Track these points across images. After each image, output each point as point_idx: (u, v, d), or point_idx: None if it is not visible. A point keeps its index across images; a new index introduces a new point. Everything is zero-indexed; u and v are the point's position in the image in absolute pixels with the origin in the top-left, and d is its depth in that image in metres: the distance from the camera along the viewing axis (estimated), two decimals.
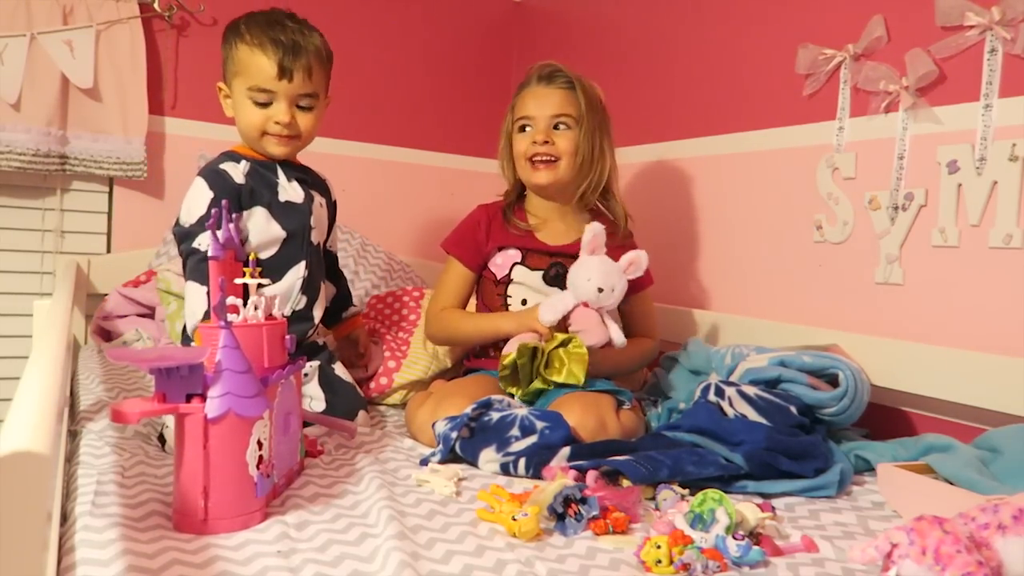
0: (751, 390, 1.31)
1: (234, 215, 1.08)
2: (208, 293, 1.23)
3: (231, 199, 1.32)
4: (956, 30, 1.38)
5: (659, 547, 0.86)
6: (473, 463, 1.22)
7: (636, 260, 1.48)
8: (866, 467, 1.28)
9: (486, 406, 1.29)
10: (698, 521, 0.94)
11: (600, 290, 1.43)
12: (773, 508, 1.07)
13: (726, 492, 1.01)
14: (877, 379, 1.42)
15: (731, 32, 1.85)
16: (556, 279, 1.56)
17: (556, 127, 1.55)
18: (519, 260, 1.58)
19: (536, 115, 1.55)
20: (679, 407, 1.49)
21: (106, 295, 1.92)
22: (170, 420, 1.16)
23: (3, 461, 0.55)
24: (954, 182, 1.39)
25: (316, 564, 0.80)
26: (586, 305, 1.45)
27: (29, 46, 1.88)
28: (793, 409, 1.29)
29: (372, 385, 1.62)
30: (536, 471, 1.16)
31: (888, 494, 1.16)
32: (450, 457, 1.23)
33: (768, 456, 1.16)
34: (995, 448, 1.18)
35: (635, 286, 1.65)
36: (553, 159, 1.55)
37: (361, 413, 1.43)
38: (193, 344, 1.22)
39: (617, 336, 1.47)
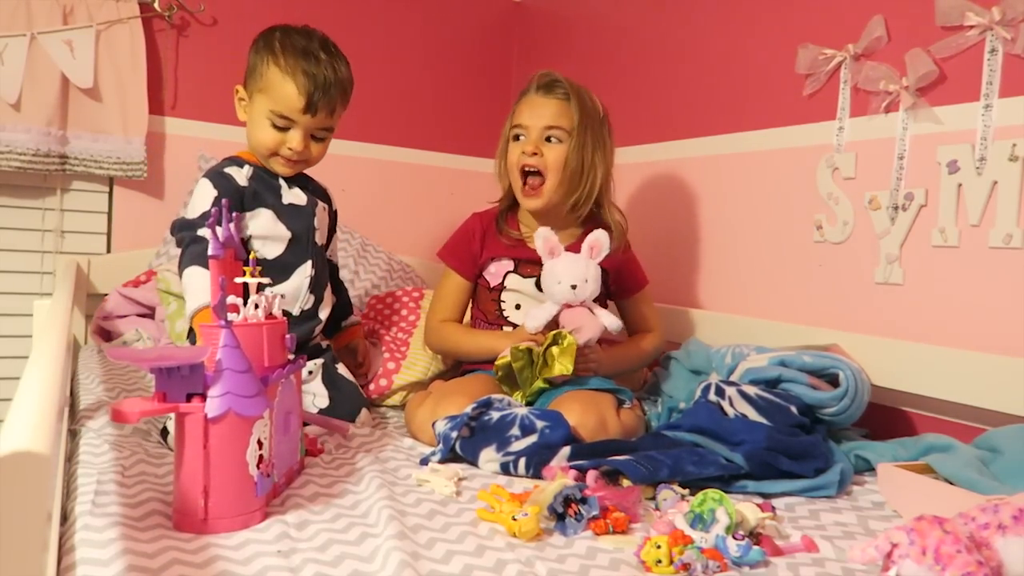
0: (751, 390, 1.31)
1: (234, 214, 1.08)
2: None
3: (234, 200, 1.35)
4: (956, 30, 1.38)
5: (659, 547, 0.86)
6: (473, 463, 1.22)
7: (596, 243, 1.48)
8: (866, 467, 1.28)
9: (486, 405, 1.29)
10: (698, 521, 0.94)
11: (574, 287, 1.44)
12: (773, 508, 1.07)
13: (726, 492, 1.01)
14: (877, 379, 1.42)
15: (731, 32, 1.85)
16: None
17: (548, 139, 1.54)
18: (512, 269, 1.59)
19: (529, 124, 1.54)
20: (679, 407, 1.49)
21: (106, 295, 1.92)
22: (171, 425, 1.17)
23: (3, 461, 0.55)
24: (954, 182, 1.39)
25: (316, 564, 0.80)
26: (569, 305, 1.45)
27: (29, 46, 1.88)
28: (793, 409, 1.29)
29: (372, 387, 1.62)
30: (536, 471, 1.16)
31: (888, 494, 1.16)
32: (450, 456, 1.23)
33: (768, 456, 1.16)
34: (995, 448, 1.18)
35: (630, 288, 1.66)
36: (539, 177, 1.53)
37: (363, 411, 1.44)
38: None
39: (610, 322, 1.47)
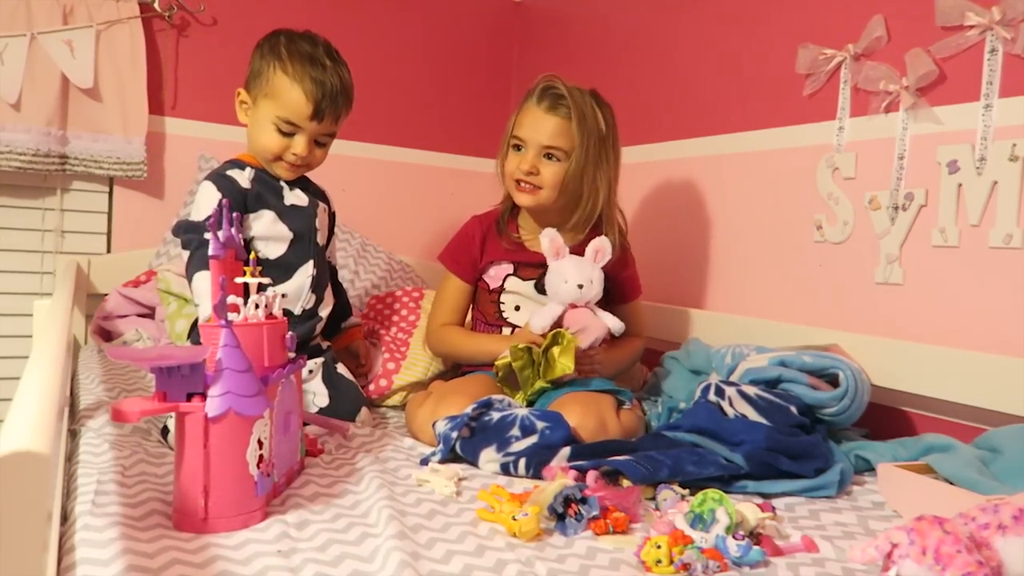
0: (751, 390, 1.31)
1: (235, 214, 1.08)
2: None
3: (238, 202, 1.37)
4: (956, 30, 1.38)
5: (659, 547, 0.86)
6: (473, 463, 1.22)
7: (601, 247, 1.49)
8: (866, 467, 1.28)
9: (486, 406, 1.29)
10: (698, 521, 0.94)
11: (580, 286, 1.45)
12: (773, 508, 1.07)
13: (726, 492, 1.01)
14: (877, 379, 1.42)
15: (731, 32, 1.85)
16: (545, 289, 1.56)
17: (547, 155, 1.52)
18: (511, 272, 1.59)
19: (528, 140, 1.52)
20: (679, 407, 1.49)
21: (106, 295, 1.92)
22: (172, 423, 1.17)
23: (3, 461, 0.55)
24: (954, 182, 1.39)
25: (316, 564, 0.80)
26: (574, 306, 1.46)
27: (29, 46, 1.88)
28: (793, 409, 1.29)
29: (372, 387, 1.62)
30: (536, 471, 1.16)
31: (888, 494, 1.16)
32: (450, 457, 1.23)
33: (768, 456, 1.16)
34: (995, 448, 1.18)
35: (627, 295, 1.66)
36: (535, 187, 1.53)
37: (364, 410, 1.45)
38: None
39: (614, 323, 1.49)
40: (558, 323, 1.46)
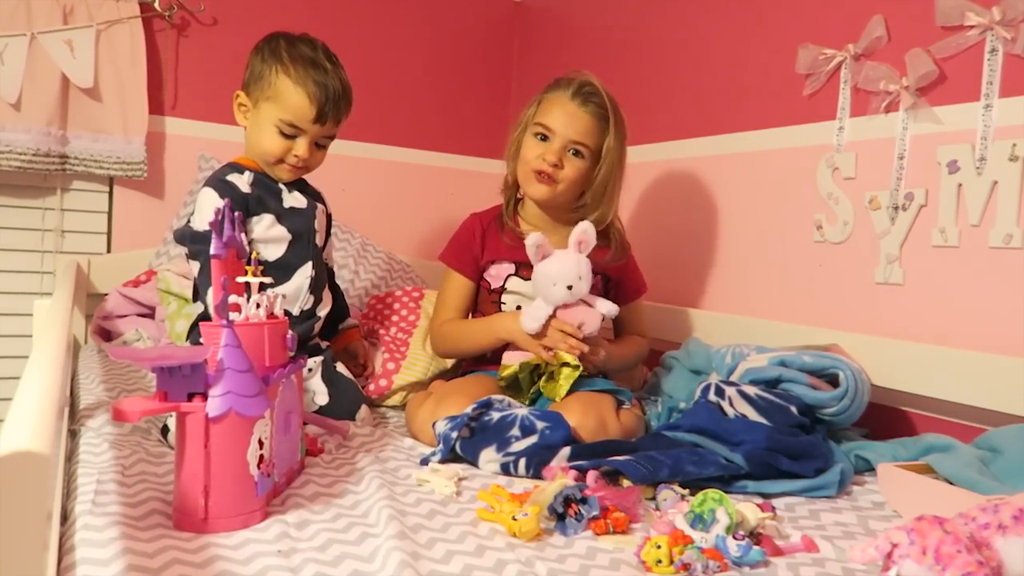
0: (751, 390, 1.31)
1: (237, 213, 1.08)
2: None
3: (239, 207, 1.37)
4: (956, 30, 1.38)
5: (659, 547, 0.86)
6: (473, 463, 1.22)
7: (583, 237, 1.45)
8: (866, 467, 1.28)
9: (486, 406, 1.29)
10: (698, 521, 0.94)
11: (569, 287, 1.43)
12: (773, 508, 1.07)
13: (726, 492, 1.01)
14: (877, 379, 1.42)
15: (731, 32, 1.85)
16: None
17: (572, 151, 1.51)
18: (513, 272, 1.58)
19: (558, 131, 1.50)
20: (679, 407, 1.49)
21: (106, 295, 1.92)
22: (172, 422, 1.17)
23: (3, 461, 0.55)
24: (954, 182, 1.39)
25: (316, 564, 0.80)
26: (566, 306, 1.45)
27: (29, 46, 1.88)
28: (793, 409, 1.29)
29: (371, 387, 1.62)
30: (536, 471, 1.16)
31: (888, 494, 1.16)
32: (450, 457, 1.23)
33: (768, 456, 1.16)
34: (995, 448, 1.18)
35: (630, 294, 1.66)
36: (555, 180, 1.51)
37: (363, 408, 1.45)
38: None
39: (607, 308, 1.47)
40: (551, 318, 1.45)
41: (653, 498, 1.08)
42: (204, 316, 1.36)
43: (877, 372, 1.42)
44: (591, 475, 1.07)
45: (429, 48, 2.48)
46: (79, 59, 1.93)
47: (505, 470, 1.19)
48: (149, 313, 1.88)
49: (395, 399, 1.64)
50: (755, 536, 0.93)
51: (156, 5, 2.04)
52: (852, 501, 1.16)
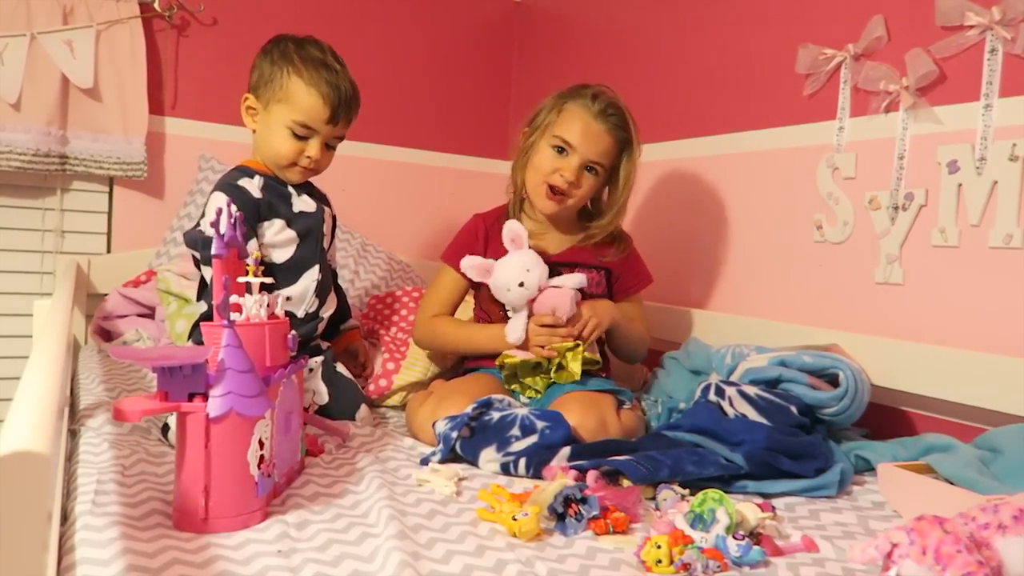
0: (751, 390, 1.31)
1: (238, 213, 1.08)
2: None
3: (251, 213, 1.38)
4: (956, 30, 1.38)
5: (659, 547, 0.86)
6: (473, 463, 1.22)
7: (513, 236, 1.48)
8: (866, 467, 1.28)
9: (486, 405, 1.29)
10: (698, 521, 0.94)
11: (521, 284, 1.45)
12: (773, 508, 1.07)
13: (726, 492, 1.01)
14: (877, 379, 1.42)
15: (731, 32, 1.85)
16: None
17: (587, 168, 1.52)
18: None
19: (578, 147, 1.50)
20: (679, 407, 1.49)
21: (106, 295, 1.92)
22: (172, 420, 1.17)
23: (3, 461, 0.55)
24: (954, 182, 1.39)
25: (316, 564, 0.80)
26: (531, 301, 1.46)
27: (29, 46, 1.88)
28: (793, 409, 1.29)
29: (371, 387, 1.62)
30: (536, 471, 1.16)
31: (888, 494, 1.16)
32: (450, 457, 1.23)
33: (768, 456, 1.16)
34: (995, 448, 1.18)
35: (633, 285, 1.65)
36: (567, 196, 1.52)
37: (363, 407, 1.45)
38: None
39: (575, 281, 1.47)
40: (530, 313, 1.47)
41: (653, 498, 1.08)
42: (207, 316, 1.36)
43: (877, 372, 1.42)
44: (591, 475, 1.07)
45: (429, 48, 2.48)
46: (79, 59, 1.93)
47: (505, 470, 1.19)
48: (149, 313, 1.88)
49: (395, 399, 1.64)
50: (755, 536, 0.93)
51: (156, 5, 2.04)
52: (852, 501, 1.16)
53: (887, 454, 1.27)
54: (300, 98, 1.39)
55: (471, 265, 1.49)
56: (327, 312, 1.52)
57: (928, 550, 0.73)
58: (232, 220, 1.05)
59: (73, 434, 1.21)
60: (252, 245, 1.37)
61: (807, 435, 1.26)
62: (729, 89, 1.86)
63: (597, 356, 1.47)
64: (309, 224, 1.47)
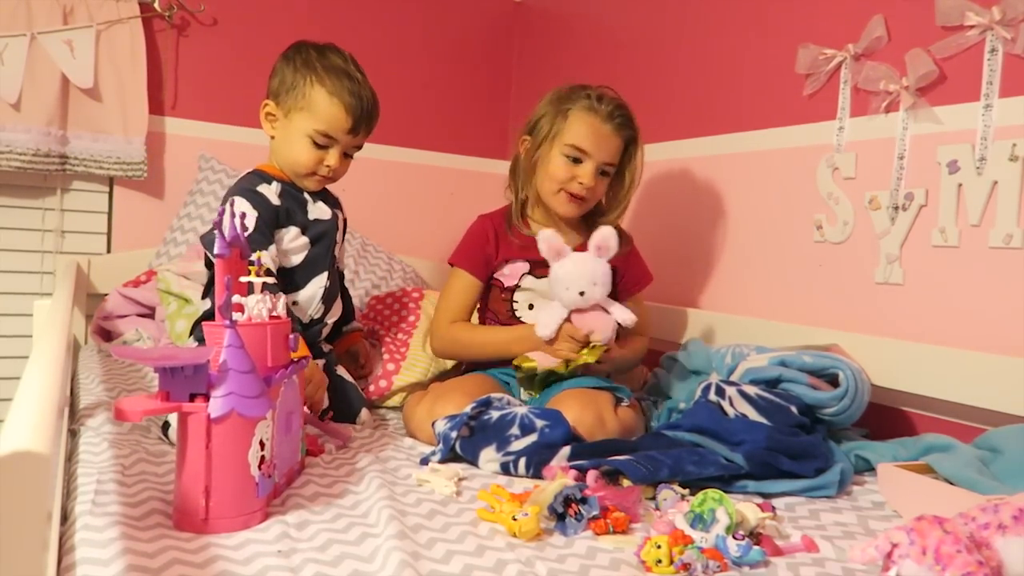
0: (752, 390, 1.31)
1: (240, 213, 1.08)
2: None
3: (270, 219, 1.38)
4: (956, 30, 1.38)
5: (659, 547, 0.86)
6: (473, 463, 1.22)
7: (603, 243, 1.45)
8: (866, 467, 1.28)
9: (485, 404, 1.29)
10: (698, 521, 0.94)
11: (582, 293, 1.43)
12: (773, 508, 1.07)
13: (726, 492, 1.01)
14: (877, 379, 1.42)
15: (731, 32, 1.85)
16: None
17: (600, 171, 1.54)
18: (528, 271, 1.57)
19: (592, 154, 1.52)
20: (679, 407, 1.49)
21: (106, 295, 1.92)
22: (173, 418, 1.17)
23: (3, 461, 0.55)
24: (954, 182, 1.39)
25: (316, 564, 0.80)
26: (581, 311, 1.45)
27: (29, 46, 1.88)
28: (794, 409, 1.29)
29: (371, 388, 1.62)
30: (536, 471, 1.16)
31: (888, 494, 1.16)
32: (450, 456, 1.23)
33: (768, 456, 1.16)
34: (995, 448, 1.18)
35: (632, 285, 1.65)
36: (585, 200, 1.55)
37: (364, 411, 1.46)
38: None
39: (624, 316, 1.46)
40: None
41: (653, 498, 1.08)
42: (210, 315, 1.35)
43: (877, 372, 1.42)
44: (591, 475, 1.07)
45: (429, 48, 2.48)
46: (79, 59, 1.93)
47: (505, 470, 1.19)
48: (149, 313, 1.88)
49: (395, 400, 1.64)
50: (755, 536, 0.93)
51: (156, 5, 2.04)
52: (852, 501, 1.16)
53: (887, 454, 1.27)
54: (322, 107, 1.39)
55: (548, 240, 1.45)
56: (332, 318, 1.52)
57: (928, 550, 0.73)
58: (234, 220, 1.05)
59: (73, 434, 1.21)
60: (272, 252, 1.37)
61: (807, 435, 1.26)
62: (729, 89, 1.86)
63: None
64: (322, 231, 1.47)
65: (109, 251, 2.09)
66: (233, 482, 0.88)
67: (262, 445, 0.92)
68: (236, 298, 0.98)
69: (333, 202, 1.54)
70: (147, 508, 0.92)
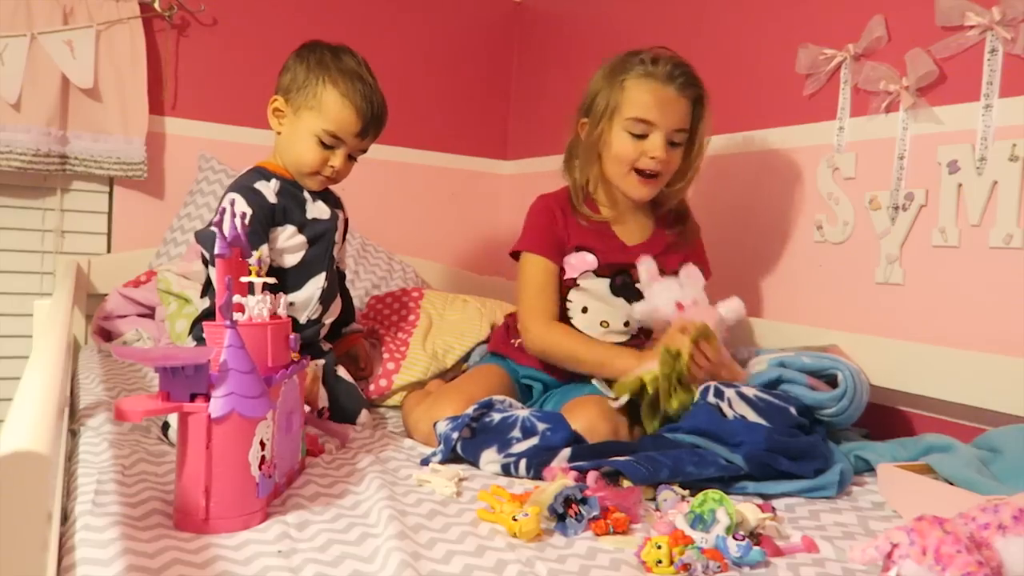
0: (750, 391, 1.31)
1: (242, 214, 1.08)
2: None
3: (266, 218, 1.37)
4: (956, 30, 1.38)
5: (659, 547, 0.86)
6: (474, 464, 1.22)
7: (650, 273, 1.38)
8: (866, 467, 1.28)
9: (487, 406, 1.29)
10: (698, 521, 0.94)
11: (678, 303, 1.38)
12: (773, 509, 1.06)
13: (726, 493, 1.00)
14: (877, 379, 1.42)
15: (731, 32, 1.85)
16: (622, 288, 1.47)
17: (670, 142, 1.40)
18: (593, 269, 1.46)
19: (659, 123, 1.38)
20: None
21: (106, 295, 1.92)
22: (173, 418, 1.17)
23: (3, 461, 0.55)
24: (954, 182, 1.39)
25: (317, 564, 0.80)
26: (680, 307, 1.37)
27: (29, 46, 1.88)
28: (792, 410, 1.28)
29: (372, 387, 1.62)
30: (537, 472, 1.16)
31: (888, 494, 1.16)
32: (451, 457, 1.23)
33: (768, 457, 1.16)
34: (995, 448, 1.18)
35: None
36: (658, 176, 1.41)
37: (364, 411, 1.45)
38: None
39: (727, 309, 1.37)
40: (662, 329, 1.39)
41: (653, 499, 1.08)
42: (209, 314, 1.35)
43: (877, 372, 1.42)
44: (591, 475, 1.07)
45: (429, 48, 2.48)
46: (79, 59, 1.93)
47: (506, 471, 1.19)
48: (149, 313, 1.88)
49: (395, 399, 1.64)
50: (755, 536, 0.93)
51: (156, 5, 2.04)
52: (852, 501, 1.16)
53: (887, 454, 1.27)
54: (334, 108, 1.39)
55: (647, 270, 1.35)
56: (330, 319, 1.52)
57: (928, 550, 0.73)
58: (235, 219, 1.05)
59: (73, 434, 1.21)
60: (263, 251, 1.37)
61: (806, 436, 1.25)
62: (729, 89, 1.86)
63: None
64: (320, 231, 1.46)
65: (109, 251, 2.09)
66: (233, 482, 0.88)
67: (262, 445, 0.92)
68: (236, 298, 0.98)
69: (334, 202, 1.53)
70: (147, 508, 0.92)
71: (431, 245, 2.45)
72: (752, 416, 1.27)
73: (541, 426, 1.23)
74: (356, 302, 2.00)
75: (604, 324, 1.49)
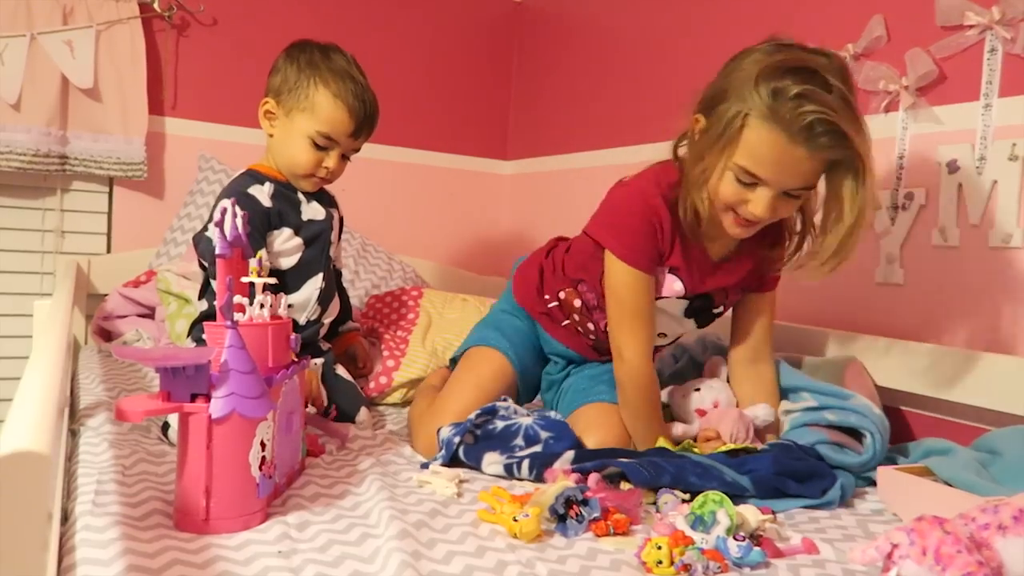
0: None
1: (242, 214, 1.08)
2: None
3: (261, 223, 1.37)
4: (956, 30, 1.38)
5: (660, 548, 0.86)
6: (476, 467, 1.21)
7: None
8: (867, 482, 1.24)
9: (491, 413, 1.28)
10: (699, 522, 0.94)
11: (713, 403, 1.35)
12: (773, 511, 1.06)
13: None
14: (877, 379, 1.41)
15: (731, 32, 1.85)
16: (696, 312, 1.37)
17: (784, 193, 1.15)
18: (681, 295, 1.32)
19: (771, 182, 1.13)
20: None
21: (106, 295, 1.92)
22: (173, 418, 1.17)
23: (3, 461, 0.55)
24: (954, 182, 1.39)
25: (317, 564, 0.80)
26: (716, 405, 1.35)
27: (29, 46, 1.88)
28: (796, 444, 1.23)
29: (372, 385, 1.63)
30: (539, 474, 1.15)
31: (888, 497, 1.15)
32: (451, 463, 1.22)
33: (776, 480, 1.12)
34: (995, 450, 1.18)
35: (768, 283, 1.38)
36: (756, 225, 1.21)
37: (363, 410, 1.45)
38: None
39: (757, 412, 1.32)
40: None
41: (654, 502, 1.08)
42: (208, 315, 1.35)
43: (877, 372, 1.42)
44: (592, 477, 1.07)
45: (429, 48, 2.48)
46: (79, 59, 1.93)
47: (508, 471, 1.18)
48: (149, 313, 1.88)
49: (395, 396, 1.64)
50: (755, 538, 0.93)
51: (156, 5, 2.04)
52: (851, 509, 1.15)
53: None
54: (326, 109, 1.38)
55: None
56: (328, 318, 1.52)
57: (928, 551, 0.73)
58: (235, 219, 1.05)
59: (73, 434, 1.21)
60: (262, 255, 1.36)
61: (812, 458, 1.20)
62: None
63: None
64: (316, 231, 1.46)
65: (109, 251, 2.09)
66: (234, 482, 0.88)
67: (263, 446, 0.92)
68: (237, 298, 0.98)
69: (328, 201, 1.53)
70: (147, 508, 0.92)
71: (431, 245, 2.45)
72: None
73: (544, 435, 1.22)
74: (356, 302, 2.00)
75: (661, 335, 1.42)
